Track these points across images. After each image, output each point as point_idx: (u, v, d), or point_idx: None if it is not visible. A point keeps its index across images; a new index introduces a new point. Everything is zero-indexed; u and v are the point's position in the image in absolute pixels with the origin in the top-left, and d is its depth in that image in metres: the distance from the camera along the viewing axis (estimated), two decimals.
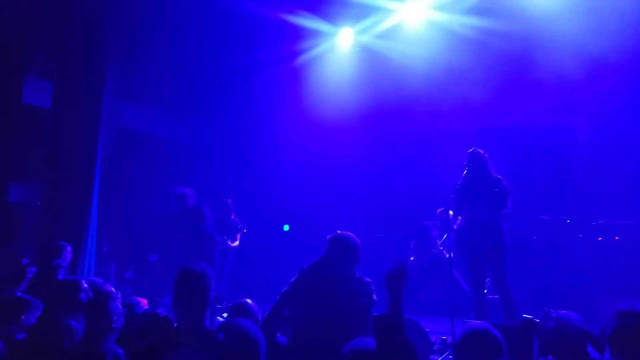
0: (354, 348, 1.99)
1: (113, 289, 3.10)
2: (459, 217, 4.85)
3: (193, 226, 6.08)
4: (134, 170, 8.05)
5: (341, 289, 2.93)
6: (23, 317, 2.99)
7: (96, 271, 6.19)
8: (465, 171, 4.71)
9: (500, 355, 1.95)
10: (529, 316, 3.15)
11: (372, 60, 8.46)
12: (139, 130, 8.29)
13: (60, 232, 5.89)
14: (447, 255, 4.90)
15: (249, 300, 3.15)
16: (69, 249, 5.24)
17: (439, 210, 6.38)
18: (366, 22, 7.97)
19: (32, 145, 6.74)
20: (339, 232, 3.21)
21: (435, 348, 4.21)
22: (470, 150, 4.83)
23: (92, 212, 6.27)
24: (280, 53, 8.26)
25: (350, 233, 3.21)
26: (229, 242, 6.62)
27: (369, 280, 3.04)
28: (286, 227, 9.49)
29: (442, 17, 7.51)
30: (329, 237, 3.20)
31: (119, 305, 2.80)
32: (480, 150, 4.82)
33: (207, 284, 2.44)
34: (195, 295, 2.39)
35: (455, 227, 4.90)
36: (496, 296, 5.26)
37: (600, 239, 6.19)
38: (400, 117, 8.71)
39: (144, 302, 3.43)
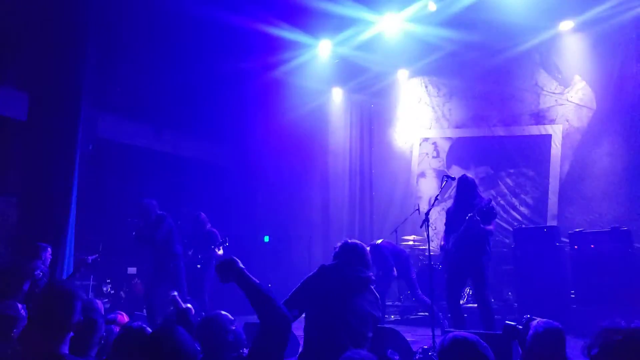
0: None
1: (100, 304, 3.05)
2: (449, 237, 5.13)
3: (151, 237, 5.97)
4: (113, 181, 7.95)
5: (360, 294, 2.95)
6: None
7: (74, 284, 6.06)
8: (454, 196, 5.19)
9: None
10: (512, 323, 3.19)
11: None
12: (118, 142, 8.19)
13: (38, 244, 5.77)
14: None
15: (223, 312, 3.12)
16: (50, 250, 5.16)
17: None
18: (344, 34, 8.07)
19: (7, 158, 6.61)
20: (348, 240, 3.22)
21: (417, 358, 4.23)
22: (460, 176, 5.26)
23: (70, 225, 6.16)
24: (259, 64, 8.31)
25: (358, 241, 3.22)
26: (216, 249, 6.54)
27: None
28: (266, 239, 9.50)
29: (419, 30, 7.68)
30: (339, 244, 3.22)
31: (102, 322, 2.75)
32: (470, 175, 5.26)
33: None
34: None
35: (442, 245, 5.20)
36: (474, 305, 5.37)
37: (576, 247, 6.32)
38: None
39: (124, 318, 3.36)
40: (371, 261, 3.22)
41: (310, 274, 3.12)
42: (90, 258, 5.20)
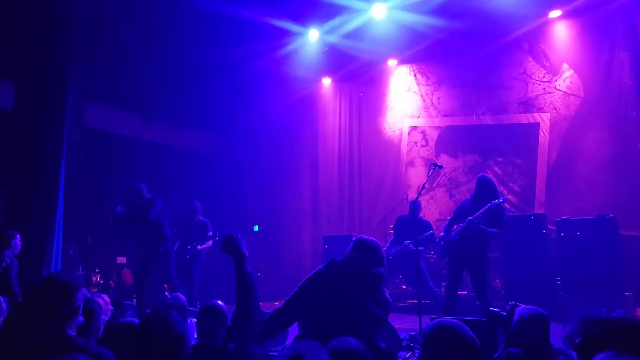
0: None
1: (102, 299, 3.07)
2: (454, 227, 5.20)
3: (144, 217, 5.81)
4: (100, 171, 7.90)
5: (369, 292, 2.88)
6: None
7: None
8: (472, 192, 5.19)
9: (472, 354, 1.97)
10: (496, 310, 3.23)
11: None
12: (105, 131, 8.12)
13: (25, 236, 5.73)
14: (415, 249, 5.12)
15: (219, 302, 3.13)
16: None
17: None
18: (333, 22, 8.02)
19: None
20: (364, 236, 3.14)
21: (404, 344, 4.29)
22: (481, 175, 5.32)
23: (58, 215, 6.10)
24: (248, 53, 8.24)
25: (371, 237, 3.14)
26: (198, 246, 6.51)
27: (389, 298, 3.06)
28: (256, 228, 9.51)
29: (408, 17, 7.65)
30: (354, 239, 3.14)
31: (102, 315, 2.76)
32: (488, 176, 5.35)
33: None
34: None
35: (445, 235, 5.25)
36: (465, 292, 5.45)
37: (562, 234, 6.40)
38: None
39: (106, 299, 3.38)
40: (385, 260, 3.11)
41: (319, 267, 3.06)
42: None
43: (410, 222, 6.81)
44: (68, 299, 2.20)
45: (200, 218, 6.68)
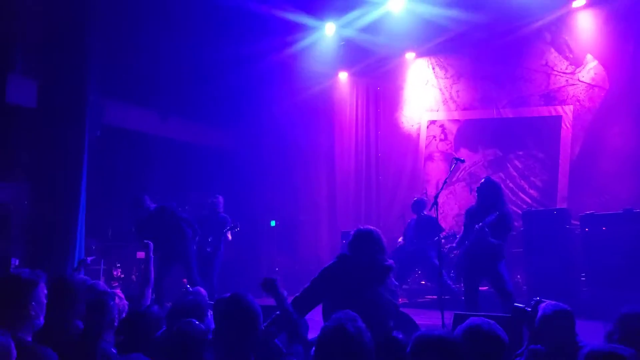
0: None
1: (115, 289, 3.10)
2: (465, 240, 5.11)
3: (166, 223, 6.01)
4: (120, 167, 8.01)
5: (381, 283, 2.95)
6: None
7: (85, 269, 6.14)
8: (477, 197, 5.05)
9: (501, 352, 1.95)
10: (521, 305, 3.19)
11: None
12: (124, 128, 8.21)
13: (49, 231, 5.87)
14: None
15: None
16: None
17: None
18: (350, 16, 7.95)
19: (18, 145, 6.66)
20: (361, 227, 3.19)
21: None
22: (485, 178, 5.20)
23: (81, 211, 6.23)
24: (265, 47, 8.24)
25: (372, 227, 3.19)
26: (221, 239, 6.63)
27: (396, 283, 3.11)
28: (273, 223, 9.55)
29: (426, 10, 7.55)
30: (352, 232, 3.19)
31: (117, 305, 2.79)
32: (494, 180, 5.21)
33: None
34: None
35: (461, 247, 5.17)
36: (485, 288, 5.38)
37: (587, 229, 6.27)
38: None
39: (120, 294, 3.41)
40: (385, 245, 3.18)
41: (329, 263, 3.12)
42: (89, 259, 5.25)
43: (415, 221, 6.92)
44: (19, 298, 2.07)
45: (223, 214, 6.77)
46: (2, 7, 6.09)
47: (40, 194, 6.28)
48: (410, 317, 3.99)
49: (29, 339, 2.14)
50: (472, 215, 5.03)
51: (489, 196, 4.92)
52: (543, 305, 2.75)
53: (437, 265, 5.91)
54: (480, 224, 4.72)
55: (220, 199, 6.93)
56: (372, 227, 3.19)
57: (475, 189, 5.06)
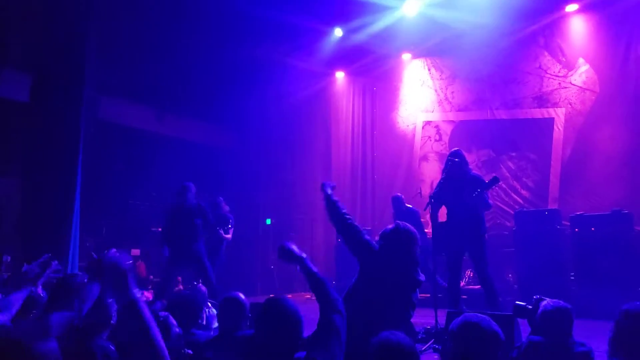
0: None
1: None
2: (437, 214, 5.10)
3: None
4: (115, 164, 7.98)
5: (405, 284, 2.99)
6: None
7: (80, 266, 6.13)
8: (445, 170, 5.04)
9: (498, 348, 1.99)
10: (522, 303, 3.24)
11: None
12: (120, 125, 8.19)
13: (43, 227, 5.82)
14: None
15: (240, 294, 3.18)
16: None
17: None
18: (352, 19, 7.93)
19: (11, 140, 6.61)
20: (400, 224, 3.18)
21: (420, 337, 4.32)
22: (452, 150, 5.22)
23: (75, 207, 6.17)
24: (262, 47, 8.24)
25: (408, 226, 3.18)
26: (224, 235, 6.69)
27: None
28: (268, 221, 9.57)
29: (423, 11, 7.59)
30: (390, 227, 3.19)
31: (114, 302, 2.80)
32: (461, 150, 5.18)
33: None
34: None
35: (433, 223, 5.15)
36: (478, 287, 5.43)
37: (576, 230, 6.37)
38: None
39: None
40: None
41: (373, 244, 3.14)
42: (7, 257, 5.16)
43: (395, 217, 6.94)
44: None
45: (223, 212, 6.84)
46: None
47: (33, 190, 6.21)
48: (413, 327, 4.03)
49: None
50: (442, 188, 5.04)
51: (456, 166, 4.97)
52: (544, 302, 2.82)
53: (428, 267, 5.97)
54: (478, 190, 4.73)
55: (221, 199, 6.97)
56: (410, 228, 3.15)
57: (446, 162, 5.06)
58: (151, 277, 7.82)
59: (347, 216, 3.30)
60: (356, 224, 3.29)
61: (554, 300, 2.81)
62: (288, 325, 2.00)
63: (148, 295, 6.12)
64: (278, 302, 2.09)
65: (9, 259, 6.32)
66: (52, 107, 6.23)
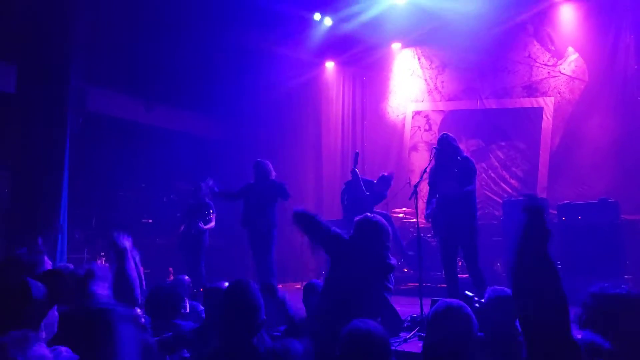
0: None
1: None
2: (433, 199, 5.12)
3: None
4: (103, 155, 7.92)
5: (378, 269, 3.01)
6: None
7: (68, 258, 6.11)
8: (434, 153, 4.99)
9: (470, 331, 2.00)
10: (470, 294, 3.23)
11: None
12: (107, 115, 8.12)
13: (31, 219, 5.78)
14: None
15: (226, 284, 3.19)
16: None
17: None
18: (338, 6, 7.88)
19: None
20: (369, 214, 3.23)
21: (405, 325, 4.35)
22: (441, 134, 5.19)
23: (63, 199, 6.14)
24: (251, 36, 8.18)
25: (378, 217, 3.23)
26: (202, 225, 6.64)
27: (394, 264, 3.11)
28: None
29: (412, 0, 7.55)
30: (357, 219, 3.24)
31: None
32: (449, 134, 5.14)
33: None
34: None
35: (430, 207, 5.17)
36: (466, 275, 5.47)
37: (564, 218, 6.42)
38: None
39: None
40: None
41: (343, 236, 3.16)
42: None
43: (354, 192, 6.57)
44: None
45: (206, 199, 6.77)
46: None
47: (21, 182, 6.16)
48: (396, 312, 4.05)
49: None
50: (434, 174, 5.06)
51: (444, 150, 4.96)
52: (488, 290, 2.69)
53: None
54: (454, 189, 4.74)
55: (203, 185, 6.90)
56: (379, 218, 3.21)
57: (434, 147, 5.06)
58: (142, 268, 7.80)
59: (324, 224, 3.27)
60: (324, 222, 3.27)
61: (497, 288, 2.69)
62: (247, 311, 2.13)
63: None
64: (238, 286, 2.19)
65: None
66: (39, 98, 6.15)
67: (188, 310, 3.38)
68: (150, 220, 8.77)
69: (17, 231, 5.91)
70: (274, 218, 6.00)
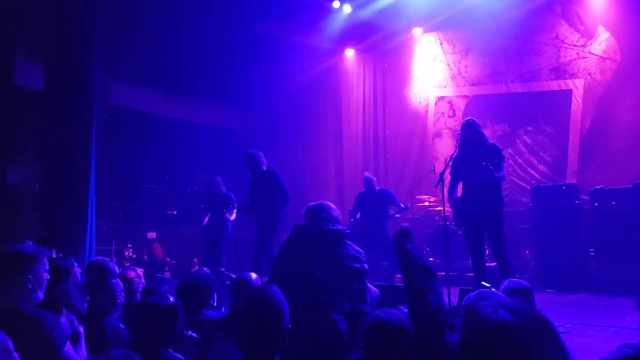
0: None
1: (115, 266, 3.12)
2: (457, 187, 5.01)
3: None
4: (128, 149, 8.04)
5: (338, 248, 2.95)
6: None
7: (97, 250, 6.24)
8: (459, 141, 4.83)
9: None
10: (488, 285, 3.16)
11: None
12: (130, 109, 8.22)
13: (60, 212, 5.91)
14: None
15: (252, 275, 3.19)
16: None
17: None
18: None
19: (27, 128, 6.71)
20: (310, 203, 3.23)
21: None
22: (465, 120, 5.01)
23: (91, 192, 6.26)
24: (271, 26, 8.13)
25: (319, 202, 3.23)
26: (228, 215, 6.71)
27: (360, 250, 3.05)
28: None
29: None
30: (304, 210, 3.25)
31: (120, 282, 2.83)
32: (474, 119, 4.97)
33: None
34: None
35: (452, 197, 5.03)
36: (494, 264, 5.36)
37: (596, 204, 6.22)
38: None
39: (140, 272, 3.42)
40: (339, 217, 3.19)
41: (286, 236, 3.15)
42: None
43: (367, 197, 6.82)
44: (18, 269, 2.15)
45: (224, 191, 6.82)
46: None
47: (50, 175, 6.31)
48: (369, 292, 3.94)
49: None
50: (457, 161, 4.88)
51: (469, 137, 4.78)
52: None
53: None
54: (484, 163, 4.60)
55: (219, 179, 6.97)
56: (322, 202, 3.23)
57: (458, 134, 4.90)
58: (167, 259, 7.93)
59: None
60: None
61: (512, 280, 2.65)
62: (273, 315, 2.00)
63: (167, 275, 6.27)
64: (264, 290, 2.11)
65: (30, 243, 6.47)
66: (65, 94, 6.27)
67: (216, 304, 3.40)
68: (175, 212, 8.88)
69: (48, 223, 6.06)
70: (280, 201, 6.08)
